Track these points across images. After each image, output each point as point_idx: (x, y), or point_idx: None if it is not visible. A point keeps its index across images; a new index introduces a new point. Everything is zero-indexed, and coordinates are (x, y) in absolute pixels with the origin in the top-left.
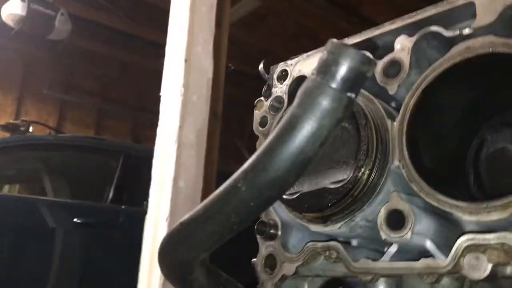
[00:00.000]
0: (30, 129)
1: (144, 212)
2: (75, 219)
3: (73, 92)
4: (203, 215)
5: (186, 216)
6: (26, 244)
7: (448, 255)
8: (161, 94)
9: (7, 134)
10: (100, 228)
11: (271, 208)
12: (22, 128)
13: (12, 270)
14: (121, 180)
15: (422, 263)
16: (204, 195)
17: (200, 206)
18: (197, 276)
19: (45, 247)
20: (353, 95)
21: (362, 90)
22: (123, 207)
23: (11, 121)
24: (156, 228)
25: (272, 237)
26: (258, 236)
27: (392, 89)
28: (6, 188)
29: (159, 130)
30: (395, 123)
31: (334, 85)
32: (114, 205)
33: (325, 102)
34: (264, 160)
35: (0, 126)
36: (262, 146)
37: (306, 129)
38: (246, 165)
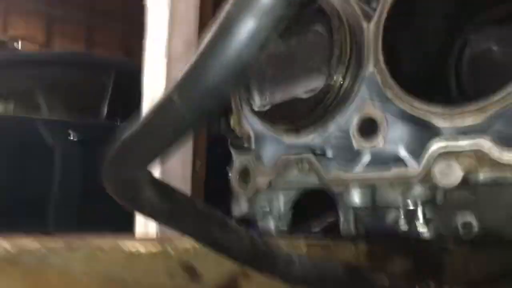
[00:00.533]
0: (19, 45)
1: None
2: (71, 137)
3: (59, 6)
4: (140, 131)
5: (126, 133)
6: (26, 163)
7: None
8: (146, 3)
9: None
10: (97, 144)
11: (245, 121)
12: (10, 45)
13: (14, 190)
14: (114, 96)
15: (393, 171)
16: None
17: (138, 121)
18: (147, 194)
19: (45, 165)
20: None
21: None
22: (118, 123)
23: None
24: None
25: (246, 151)
26: (232, 150)
27: None
28: (0, 107)
29: (146, 43)
30: (371, 25)
31: None
32: (109, 121)
33: None
34: (197, 69)
35: None
36: (196, 52)
37: (242, 31)
38: (180, 74)
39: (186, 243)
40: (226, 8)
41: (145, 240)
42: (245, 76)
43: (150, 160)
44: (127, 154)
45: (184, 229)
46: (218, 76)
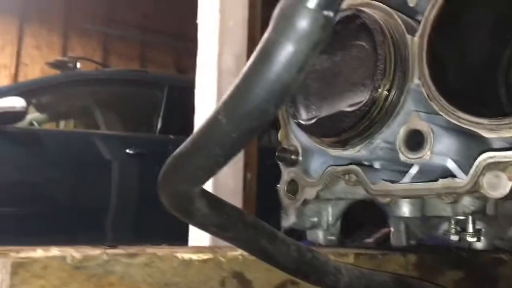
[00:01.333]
0: (78, 65)
1: None
2: (128, 150)
3: (115, 25)
4: (190, 149)
5: (178, 149)
6: (85, 176)
7: None
8: (197, 21)
9: (56, 71)
10: (152, 158)
11: (291, 134)
12: (70, 65)
13: (74, 202)
14: (168, 111)
15: (441, 183)
16: None
17: (188, 139)
18: (198, 207)
19: (103, 178)
20: (330, 14)
21: (381, 5)
22: (171, 136)
23: (59, 58)
24: None
25: (294, 163)
26: (279, 162)
27: (412, 1)
28: (62, 124)
29: (198, 58)
30: (415, 39)
31: (308, 4)
32: (163, 135)
33: (299, 24)
34: (240, 90)
35: (49, 63)
36: (240, 74)
37: (281, 55)
38: (225, 95)
39: (236, 251)
40: (267, 33)
41: (197, 248)
42: (286, 96)
43: (201, 175)
44: (179, 169)
45: (234, 240)
46: (260, 97)
